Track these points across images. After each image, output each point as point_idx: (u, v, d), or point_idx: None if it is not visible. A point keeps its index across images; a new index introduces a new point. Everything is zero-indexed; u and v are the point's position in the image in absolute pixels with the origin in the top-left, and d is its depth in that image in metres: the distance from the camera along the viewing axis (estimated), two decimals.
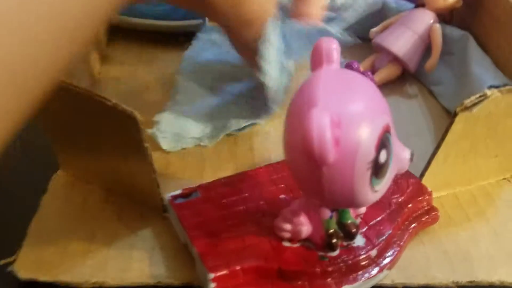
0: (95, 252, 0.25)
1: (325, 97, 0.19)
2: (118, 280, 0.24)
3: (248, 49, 0.30)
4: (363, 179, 0.19)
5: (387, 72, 0.36)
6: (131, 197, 0.27)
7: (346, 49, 0.39)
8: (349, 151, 0.19)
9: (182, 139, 0.31)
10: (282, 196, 0.26)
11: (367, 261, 0.23)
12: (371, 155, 0.19)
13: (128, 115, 0.22)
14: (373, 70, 0.37)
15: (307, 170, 0.20)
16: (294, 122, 0.20)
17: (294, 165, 0.21)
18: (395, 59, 0.36)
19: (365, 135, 0.19)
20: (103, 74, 0.38)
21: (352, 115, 0.19)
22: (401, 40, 0.36)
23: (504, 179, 0.30)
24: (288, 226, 0.23)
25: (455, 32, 0.36)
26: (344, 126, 0.19)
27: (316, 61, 0.21)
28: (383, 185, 0.20)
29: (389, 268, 0.23)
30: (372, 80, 0.36)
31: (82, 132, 0.26)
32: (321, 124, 0.18)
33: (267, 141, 0.32)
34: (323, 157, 0.18)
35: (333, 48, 0.21)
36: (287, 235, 0.23)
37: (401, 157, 0.21)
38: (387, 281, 0.24)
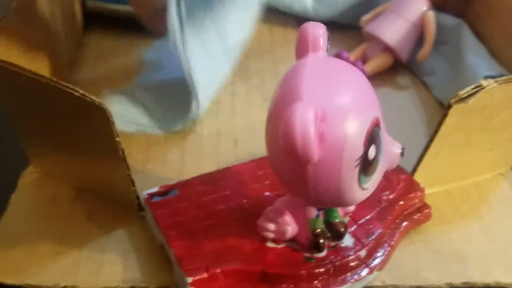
0: (65, 254, 0.23)
1: (310, 89, 0.18)
2: (89, 284, 0.22)
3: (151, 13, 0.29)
4: (350, 177, 0.18)
5: (378, 62, 0.35)
6: (103, 196, 0.26)
7: (335, 37, 0.38)
8: (335, 147, 0.17)
9: (125, 122, 0.30)
10: (266, 193, 0.24)
11: (356, 262, 0.22)
12: (359, 151, 0.17)
13: (97, 106, 0.21)
14: (364, 59, 0.35)
15: (290, 168, 0.18)
16: (276, 116, 0.18)
17: (276, 162, 0.19)
18: (386, 48, 0.35)
19: (353, 129, 0.17)
20: (79, 62, 0.36)
21: (339, 108, 0.17)
22: (393, 29, 0.34)
23: (500, 174, 0.28)
24: (271, 226, 0.22)
25: (449, 20, 0.35)
26: (330, 120, 0.17)
27: (302, 48, 0.20)
28: (372, 182, 0.19)
29: (379, 269, 0.22)
30: (363, 70, 0.35)
31: (51, 126, 0.25)
32: (305, 119, 0.16)
33: (252, 136, 0.31)
34: (307, 156, 0.17)
35: (319, 34, 0.19)
36: (271, 235, 0.22)
37: (391, 152, 0.19)
38: (377, 283, 0.22)
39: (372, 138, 0.18)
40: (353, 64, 0.28)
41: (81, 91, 0.21)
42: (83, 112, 0.22)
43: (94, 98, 0.21)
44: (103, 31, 0.40)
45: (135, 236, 0.24)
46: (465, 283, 0.23)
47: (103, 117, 0.21)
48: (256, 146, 0.30)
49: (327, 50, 0.20)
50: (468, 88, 0.22)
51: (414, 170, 0.25)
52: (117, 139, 0.22)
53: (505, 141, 0.27)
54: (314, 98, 0.17)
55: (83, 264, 0.23)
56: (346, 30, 0.38)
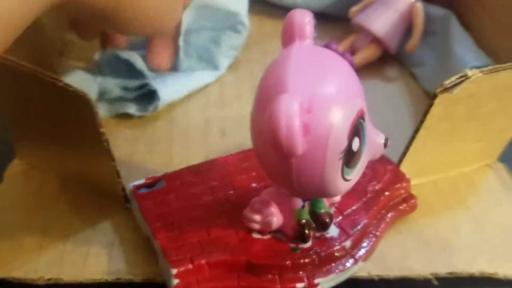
0: (49, 247, 0.23)
1: (295, 80, 0.17)
2: (74, 276, 0.22)
3: None
4: (334, 169, 0.18)
5: (367, 53, 0.35)
6: (89, 188, 0.26)
7: (324, 29, 0.38)
8: (320, 140, 0.17)
9: None
10: (253, 185, 0.24)
11: (341, 253, 0.22)
12: (343, 144, 0.17)
13: (81, 96, 0.20)
14: (353, 51, 0.35)
15: (275, 160, 0.18)
16: (262, 106, 0.18)
17: (261, 153, 0.19)
18: (375, 39, 0.34)
19: (337, 122, 0.17)
20: (69, 46, 0.36)
21: (324, 99, 0.17)
22: (382, 20, 0.34)
23: (487, 165, 0.29)
24: (257, 217, 0.21)
25: (437, 11, 0.35)
26: (315, 112, 0.17)
27: (288, 36, 0.19)
28: (356, 173, 0.19)
29: (365, 260, 0.22)
30: (351, 61, 0.35)
31: (36, 117, 0.24)
32: (290, 112, 0.16)
33: (240, 126, 0.30)
34: (292, 149, 0.17)
35: (306, 22, 0.19)
36: (256, 226, 0.22)
37: (375, 143, 0.19)
38: (363, 273, 0.22)
39: (356, 130, 0.18)
40: (342, 55, 0.28)
41: (64, 81, 0.21)
42: (67, 102, 0.22)
43: (77, 88, 0.20)
44: None
45: (121, 228, 0.24)
46: (450, 273, 0.23)
47: (86, 107, 0.21)
48: (244, 137, 0.29)
49: (313, 38, 0.20)
50: (453, 78, 0.22)
51: (400, 160, 0.25)
52: (102, 129, 0.21)
53: (492, 131, 0.27)
54: (300, 89, 0.17)
55: (68, 256, 0.23)
56: (334, 21, 0.38)
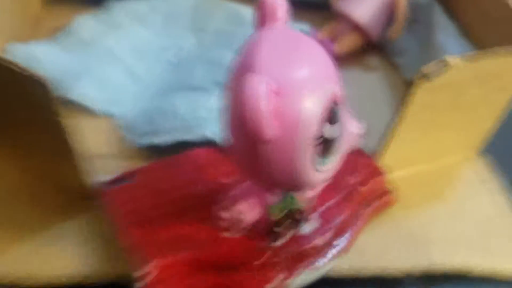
0: (6, 246, 0.22)
1: (264, 61, 0.16)
2: (33, 278, 0.21)
3: None
4: (306, 158, 0.17)
5: (348, 41, 0.34)
6: (51, 182, 0.24)
7: (305, 15, 0.37)
8: (290, 125, 0.16)
9: None
10: (225, 180, 0.23)
11: (319, 247, 0.21)
12: (315, 129, 0.16)
13: (38, 81, 0.19)
14: (333, 39, 0.34)
15: (243, 146, 0.17)
16: (229, 90, 0.17)
17: (232, 142, 0.18)
18: (356, 27, 0.33)
19: (308, 106, 0.16)
20: (43, 22, 0.34)
21: (294, 82, 0.16)
22: (364, 7, 0.33)
23: (465, 157, 0.28)
24: (227, 215, 0.20)
25: None
26: (284, 94, 0.16)
27: (260, 19, 0.18)
28: (331, 164, 0.18)
29: (343, 253, 0.21)
30: (331, 49, 0.34)
31: None
32: (256, 92, 0.15)
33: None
34: (259, 133, 0.16)
35: (278, 4, 0.18)
36: (225, 224, 0.21)
37: (350, 132, 0.18)
38: (343, 266, 0.22)
39: (329, 116, 0.17)
40: (321, 43, 0.26)
41: (21, 65, 0.19)
42: (25, 89, 0.20)
43: (34, 72, 0.19)
44: None
45: (86, 226, 0.23)
46: (429, 265, 0.22)
47: (44, 93, 0.19)
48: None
49: (286, 22, 0.18)
50: (431, 64, 0.21)
51: (379, 152, 0.24)
52: (60, 118, 0.20)
53: (472, 122, 0.26)
54: (268, 71, 0.16)
55: (26, 257, 0.22)
56: (315, 8, 0.37)
